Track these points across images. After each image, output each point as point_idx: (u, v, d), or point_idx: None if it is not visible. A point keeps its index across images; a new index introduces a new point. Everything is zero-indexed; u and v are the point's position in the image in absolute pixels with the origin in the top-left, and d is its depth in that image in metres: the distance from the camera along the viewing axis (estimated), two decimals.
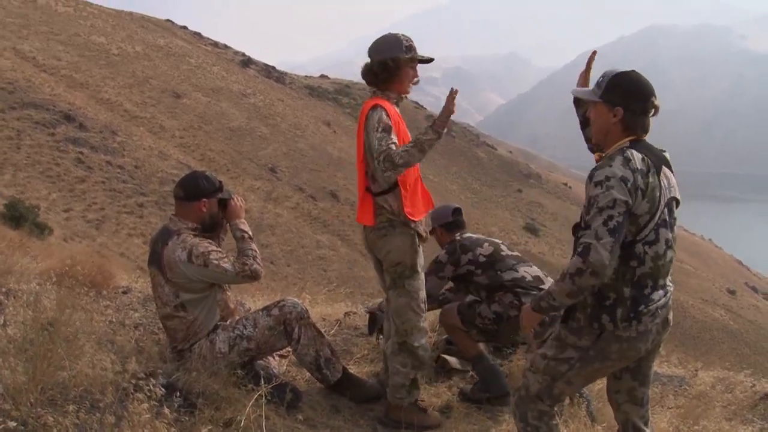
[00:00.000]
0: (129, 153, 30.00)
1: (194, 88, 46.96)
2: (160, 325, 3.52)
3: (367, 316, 4.60)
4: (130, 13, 63.43)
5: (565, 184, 79.85)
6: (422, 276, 3.34)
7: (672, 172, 2.58)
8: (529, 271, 3.85)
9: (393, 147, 3.01)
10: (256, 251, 3.28)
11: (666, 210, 2.47)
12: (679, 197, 2.57)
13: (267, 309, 3.38)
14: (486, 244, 3.95)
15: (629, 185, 2.35)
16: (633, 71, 2.56)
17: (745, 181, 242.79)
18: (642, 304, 2.46)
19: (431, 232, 4.04)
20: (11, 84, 30.53)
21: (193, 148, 36.53)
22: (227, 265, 3.10)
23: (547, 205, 65.19)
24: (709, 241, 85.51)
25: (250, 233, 3.35)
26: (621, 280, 2.45)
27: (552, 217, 61.97)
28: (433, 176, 62.20)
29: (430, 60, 3.37)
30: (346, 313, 5.16)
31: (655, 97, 2.50)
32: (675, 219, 2.56)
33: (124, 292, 5.03)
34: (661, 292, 2.51)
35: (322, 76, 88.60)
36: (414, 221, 3.25)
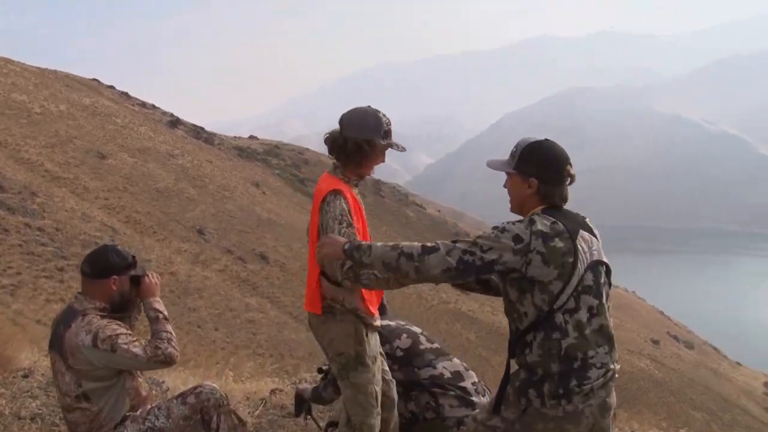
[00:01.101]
0: (50, 215, 29.02)
1: (120, 148, 46.14)
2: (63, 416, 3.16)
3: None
4: (55, 72, 62.28)
5: None
6: (372, 368, 2.99)
7: (595, 236, 2.46)
8: (448, 367, 3.60)
9: None
10: (171, 333, 3.01)
11: (591, 275, 2.35)
12: (605, 260, 2.45)
13: (182, 396, 3.11)
14: (404, 335, 3.66)
15: (520, 245, 2.26)
16: (546, 140, 2.53)
17: (660, 234, 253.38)
18: (572, 380, 2.30)
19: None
20: None
21: (118, 210, 35.66)
22: (138, 350, 2.82)
23: None
24: (633, 293, 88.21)
25: (166, 313, 3.09)
26: (547, 355, 2.32)
27: None
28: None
29: (403, 149, 3.14)
30: (273, 391, 4.92)
31: (570, 165, 2.50)
32: (606, 284, 2.45)
33: (25, 376, 4.66)
34: (598, 371, 2.33)
35: (251, 137, 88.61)
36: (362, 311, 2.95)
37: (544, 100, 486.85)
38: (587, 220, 2.55)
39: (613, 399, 2.42)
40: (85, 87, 61.55)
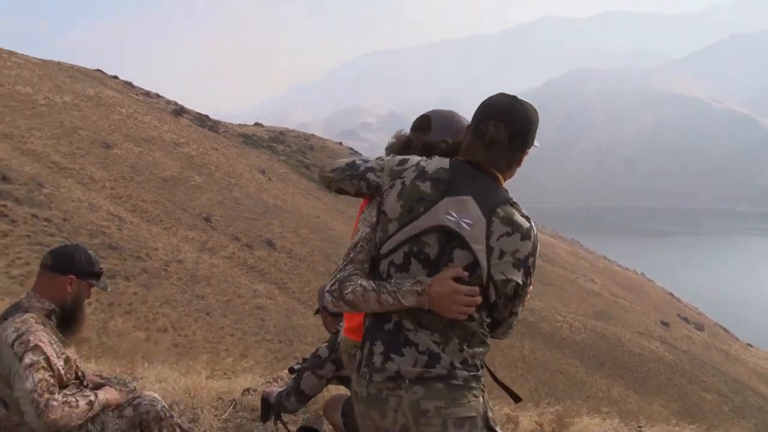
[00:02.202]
0: (57, 205, 29.00)
1: (125, 138, 46.07)
2: None
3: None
4: (59, 63, 62.18)
5: None
6: None
7: (491, 219, 1.97)
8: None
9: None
10: (80, 408, 2.52)
11: (435, 241, 1.97)
12: (468, 240, 1.95)
13: (119, 408, 2.76)
14: None
15: (399, 168, 2.08)
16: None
17: (668, 215, 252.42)
18: (380, 347, 2.01)
19: (316, 312, 3.61)
20: None
21: (124, 199, 35.65)
22: (36, 376, 2.39)
23: None
24: (642, 275, 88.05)
25: (98, 404, 2.63)
26: None
27: None
28: None
29: None
30: (245, 390, 4.64)
31: (487, 121, 2.06)
32: (450, 260, 1.97)
33: None
34: (417, 354, 1.97)
35: (257, 124, 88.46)
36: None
37: (549, 83, 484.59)
38: (506, 205, 2.03)
39: (430, 405, 1.95)
40: (89, 77, 61.44)
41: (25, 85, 47.18)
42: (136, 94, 65.75)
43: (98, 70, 68.82)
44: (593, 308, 52.22)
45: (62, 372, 2.56)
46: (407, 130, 2.50)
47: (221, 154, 54.50)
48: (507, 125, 2.04)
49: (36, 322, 2.56)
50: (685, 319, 63.72)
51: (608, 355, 40.23)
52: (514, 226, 2.00)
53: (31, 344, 2.45)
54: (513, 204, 2.06)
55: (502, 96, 2.12)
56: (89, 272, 2.75)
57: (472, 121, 2.13)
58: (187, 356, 19.88)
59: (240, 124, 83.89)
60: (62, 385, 2.58)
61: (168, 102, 68.89)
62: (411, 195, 2.01)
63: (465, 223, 1.96)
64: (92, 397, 2.62)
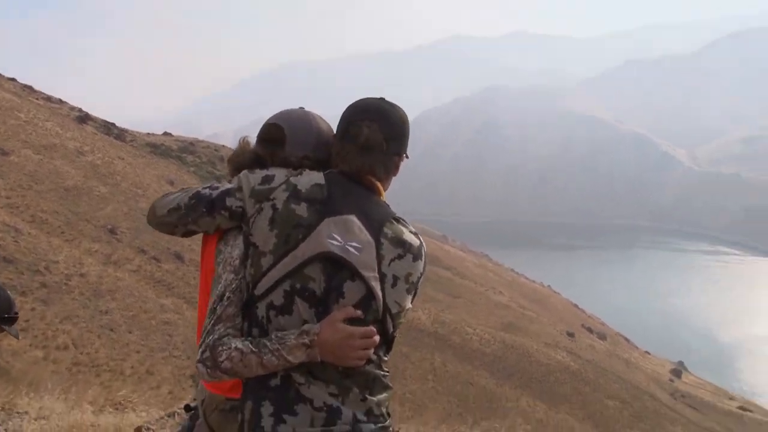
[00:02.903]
0: None
1: (24, 144, 43.81)
2: None
3: None
4: None
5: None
6: None
7: (377, 239, 1.73)
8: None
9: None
10: None
11: (320, 272, 1.68)
12: (358, 268, 1.69)
13: None
14: None
15: (263, 187, 1.77)
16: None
17: (575, 230, 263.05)
18: (268, 407, 1.70)
19: None
20: None
21: (22, 209, 33.84)
22: None
23: None
24: (548, 287, 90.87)
25: None
26: None
27: None
28: None
29: None
30: (137, 429, 4.28)
31: (355, 122, 1.86)
32: (341, 294, 1.69)
33: None
34: (313, 412, 1.68)
35: (165, 134, 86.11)
36: None
37: (459, 99, 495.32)
38: (392, 222, 1.80)
39: None
40: None
41: None
42: (37, 99, 62.72)
43: None
44: (502, 320, 53.43)
45: None
46: (252, 137, 2.08)
47: (128, 164, 52.68)
48: (381, 126, 1.84)
49: None
50: (589, 329, 66.16)
51: (517, 366, 41.18)
52: (405, 247, 1.76)
53: None
54: (398, 220, 1.83)
55: (369, 99, 1.93)
56: (2, 317, 2.38)
57: (339, 125, 1.89)
58: (87, 376, 18.97)
59: (148, 133, 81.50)
60: None
61: (72, 108, 66.10)
62: (286, 221, 1.69)
63: (352, 247, 1.68)
64: None
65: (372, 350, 1.73)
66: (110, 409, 5.17)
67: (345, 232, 1.70)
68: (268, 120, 2.03)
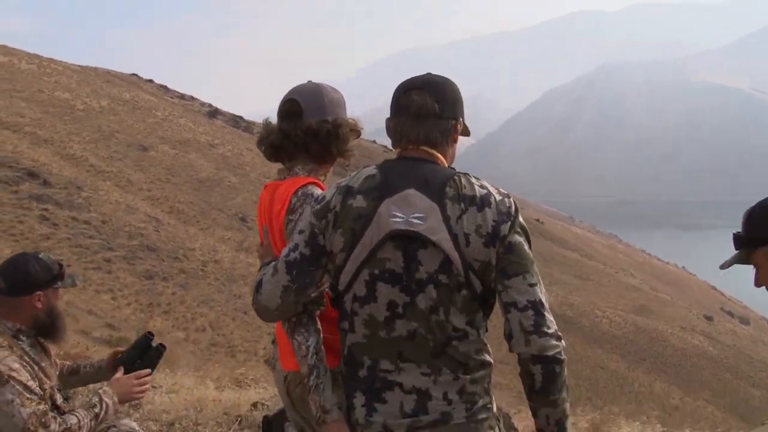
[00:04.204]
0: (95, 208, 29.43)
1: (161, 140, 46.63)
2: None
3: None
4: (95, 69, 63.23)
5: (538, 220, 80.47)
6: None
7: (439, 202, 1.66)
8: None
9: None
10: (91, 429, 2.29)
11: (392, 251, 1.66)
12: (426, 235, 1.64)
13: None
14: None
15: (320, 205, 1.75)
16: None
17: (706, 208, 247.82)
18: (358, 396, 1.71)
19: None
20: None
21: (161, 201, 36.07)
22: (23, 412, 2.11)
23: None
24: (682, 268, 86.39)
25: (105, 412, 2.35)
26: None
27: None
28: None
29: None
30: (253, 405, 4.36)
31: (409, 92, 1.82)
32: (433, 275, 1.64)
33: None
34: (405, 396, 1.65)
35: None
36: None
37: (583, 76, 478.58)
38: (453, 180, 1.70)
39: None
40: (125, 82, 62.35)
41: (64, 90, 48.02)
42: (171, 97, 66.52)
43: (134, 75, 69.84)
44: (633, 303, 51.34)
45: (43, 393, 2.29)
46: (273, 118, 2.18)
47: (255, 155, 54.84)
48: (431, 91, 1.78)
49: (1, 348, 2.25)
50: (730, 313, 62.32)
51: (650, 350, 39.47)
52: (467, 200, 1.67)
53: (2, 378, 2.15)
54: (462, 175, 1.73)
55: (415, 76, 1.87)
56: (51, 279, 2.41)
57: (392, 104, 1.84)
58: (222, 356, 19.98)
59: None
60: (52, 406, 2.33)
61: (202, 104, 69.62)
62: (346, 217, 1.69)
63: (415, 218, 1.64)
64: (97, 409, 2.32)
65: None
66: (232, 386, 5.40)
67: (405, 206, 1.67)
68: (283, 97, 2.15)
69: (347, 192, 1.71)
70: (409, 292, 1.64)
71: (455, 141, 1.88)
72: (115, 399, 2.39)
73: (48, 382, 2.37)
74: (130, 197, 33.60)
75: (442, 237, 1.63)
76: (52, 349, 2.56)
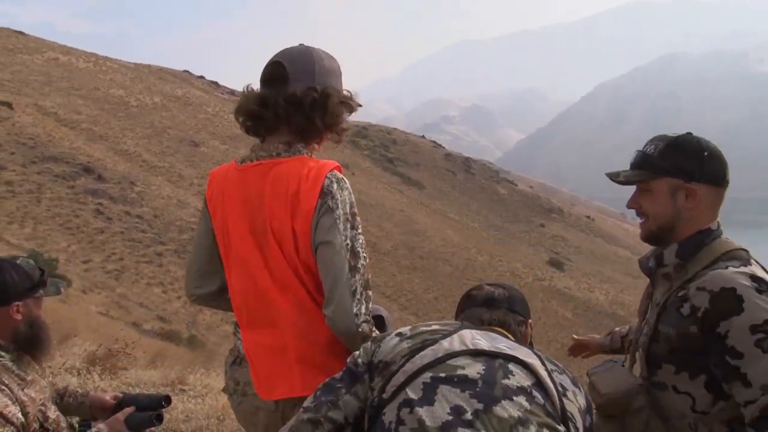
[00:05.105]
0: (147, 202, 30.05)
1: (212, 136, 47.33)
2: None
3: None
4: (148, 66, 64.58)
5: (588, 217, 79.10)
6: None
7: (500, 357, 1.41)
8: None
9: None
10: None
11: (471, 360, 1.38)
12: (523, 358, 1.42)
13: None
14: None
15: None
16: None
17: (764, 205, 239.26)
18: None
19: None
20: (32, 139, 30.94)
21: None
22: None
23: (571, 239, 64.32)
24: None
25: None
26: None
27: (576, 251, 61.10)
28: (453, 215, 61.77)
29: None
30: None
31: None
32: (510, 374, 1.35)
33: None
34: None
35: None
36: None
37: (636, 69, 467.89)
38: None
39: None
40: (177, 79, 63.53)
41: (119, 88, 49.18)
42: (222, 93, 67.49)
43: (185, 71, 71.09)
44: None
45: (23, 419, 2.01)
46: (257, 85, 1.85)
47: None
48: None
49: None
50: None
51: None
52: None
53: None
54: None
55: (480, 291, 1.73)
56: (31, 287, 2.17)
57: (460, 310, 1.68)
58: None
59: None
60: None
61: None
62: (384, 369, 1.43)
63: (505, 345, 1.43)
64: None
65: None
66: None
67: (491, 339, 1.45)
68: (269, 60, 1.84)
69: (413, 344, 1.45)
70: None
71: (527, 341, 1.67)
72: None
73: (37, 398, 2.10)
74: (181, 192, 34.18)
75: (535, 362, 1.43)
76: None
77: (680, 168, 1.64)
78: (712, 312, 1.47)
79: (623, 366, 1.76)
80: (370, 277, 1.75)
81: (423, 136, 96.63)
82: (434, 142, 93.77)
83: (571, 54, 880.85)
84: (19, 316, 2.08)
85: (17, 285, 2.10)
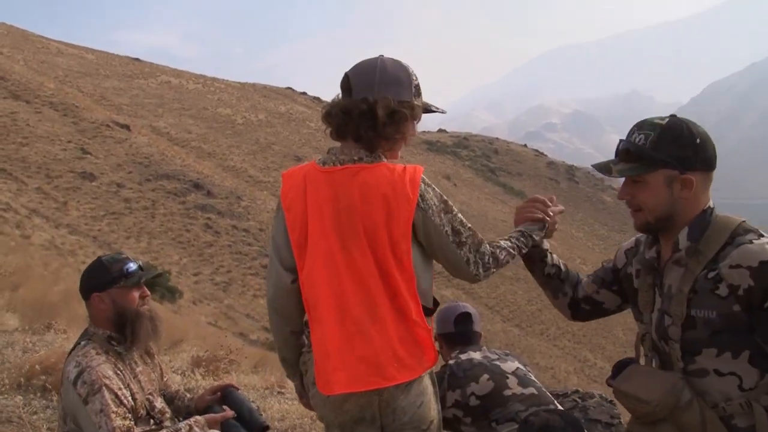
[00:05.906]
0: (253, 216, 30.98)
1: (315, 150, 48.36)
2: None
3: None
4: (253, 85, 66.94)
5: None
6: None
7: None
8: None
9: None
10: None
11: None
12: None
13: None
14: (485, 377, 2.56)
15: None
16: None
17: None
18: None
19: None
20: (147, 158, 32.65)
21: None
22: (111, 424, 2.07)
23: None
24: None
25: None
26: None
27: None
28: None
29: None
30: None
31: None
32: None
33: None
34: None
35: (440, 131, 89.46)
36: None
37: (751, 66, 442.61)
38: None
39: None
40: (280, 96, 65.46)
41: (226, 107, 51.21)
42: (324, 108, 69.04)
43: (288, 88, 73.16)
44: None
45: (134, 403, 2.24)
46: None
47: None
48: None
49: (97, 354, 2.23)
50: None
51: None
52: None
53: (96, 385, 2.12)
54: None
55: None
56: (111, 279, 2.32)
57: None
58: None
59: (423, 131, 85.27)
60: (137, 418, 2.25)
61: None
62: None
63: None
64: (185, 429, 2.24)
65: None
66: None
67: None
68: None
69: None
70: None
71: None
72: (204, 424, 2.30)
73: (146, 388, 2.34)
74: None
75: None
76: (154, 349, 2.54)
77: (675, 158, 1.63)
78: (758, 287, 1.47)
79: (643, 365, 1.77)
80: (478, 237, 1.95)
81: (525, 145, 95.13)
82: (536, 150, 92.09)
83: (676, 54, 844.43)
84: (103, 306, 2.29)
85: (95, 279, 2.31)
